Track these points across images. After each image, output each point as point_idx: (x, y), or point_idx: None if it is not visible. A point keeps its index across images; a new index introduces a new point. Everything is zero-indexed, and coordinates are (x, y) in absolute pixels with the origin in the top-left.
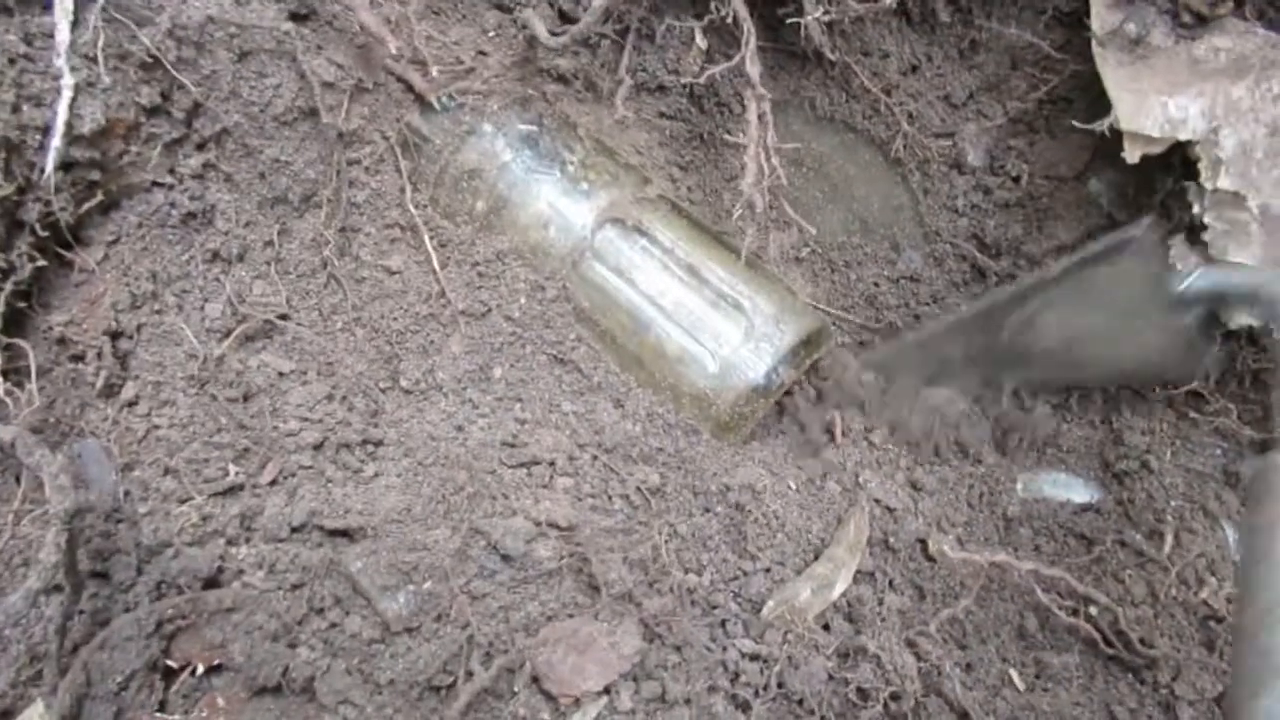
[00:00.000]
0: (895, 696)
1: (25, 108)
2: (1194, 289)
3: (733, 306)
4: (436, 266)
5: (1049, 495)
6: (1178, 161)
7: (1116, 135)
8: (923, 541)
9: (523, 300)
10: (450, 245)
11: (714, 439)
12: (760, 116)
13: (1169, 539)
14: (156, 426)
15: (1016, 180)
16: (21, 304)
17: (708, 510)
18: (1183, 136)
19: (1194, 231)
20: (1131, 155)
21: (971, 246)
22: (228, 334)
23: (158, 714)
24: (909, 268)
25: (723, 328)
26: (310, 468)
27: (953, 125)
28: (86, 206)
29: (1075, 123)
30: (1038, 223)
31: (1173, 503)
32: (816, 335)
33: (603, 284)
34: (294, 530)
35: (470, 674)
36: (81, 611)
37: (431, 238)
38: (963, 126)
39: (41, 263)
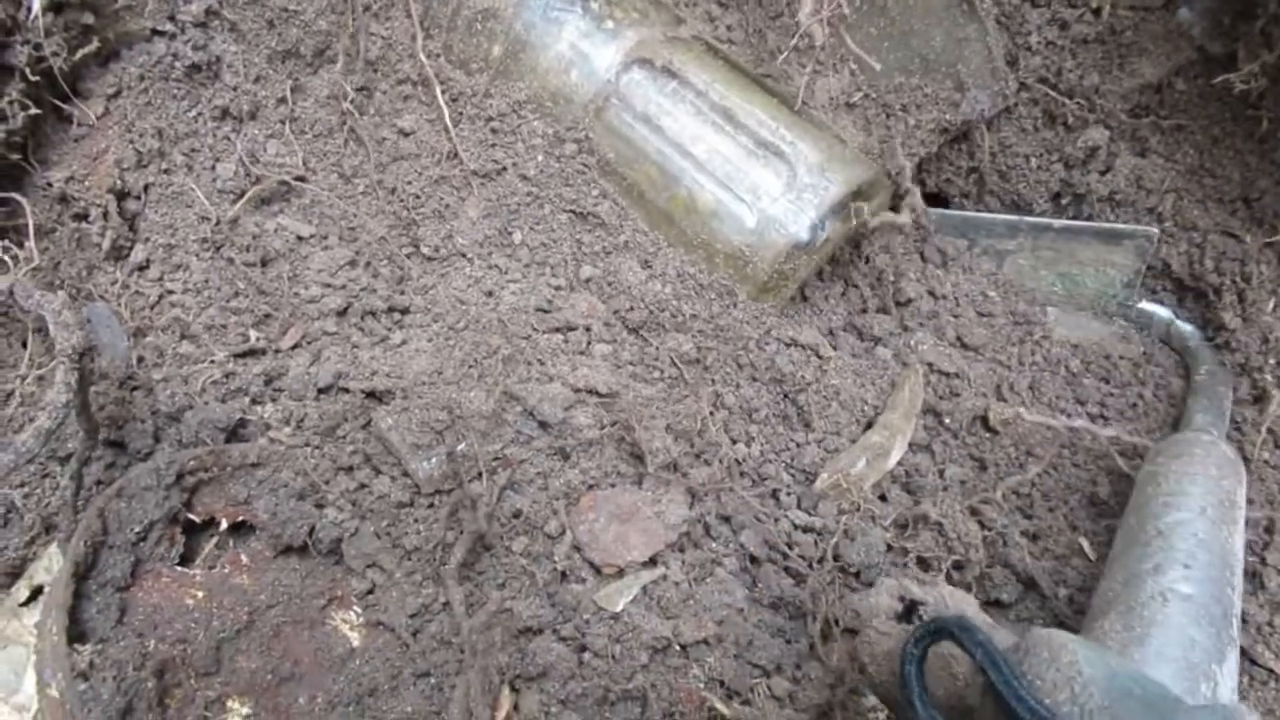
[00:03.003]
0: (959, 565)
1: None
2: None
3: (773, 154)
4: (449, 124)
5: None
6: None
7: None
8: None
9: (539, 157)
10: (462, 99)
11: (752, 302)
12: None
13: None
14: (170, 291)
15: (1096, 12)
16: (16, 156)
17: (755, 380)
18: None
19: None
20: None
21: (1044, 88)
22: (241, 195)
23: (178, 567)
24: (974, 110)
25: (761, 178)
26: (335, 333)
27: None
28: (82, 53)
29: None
30: (1119, 59)
31: (1271, 360)
32: (869, 186)
33: (629, 132)
34: (320, 391)
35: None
36: (99, 482)
37: (443, 91)
38: None
39: (35, 111)
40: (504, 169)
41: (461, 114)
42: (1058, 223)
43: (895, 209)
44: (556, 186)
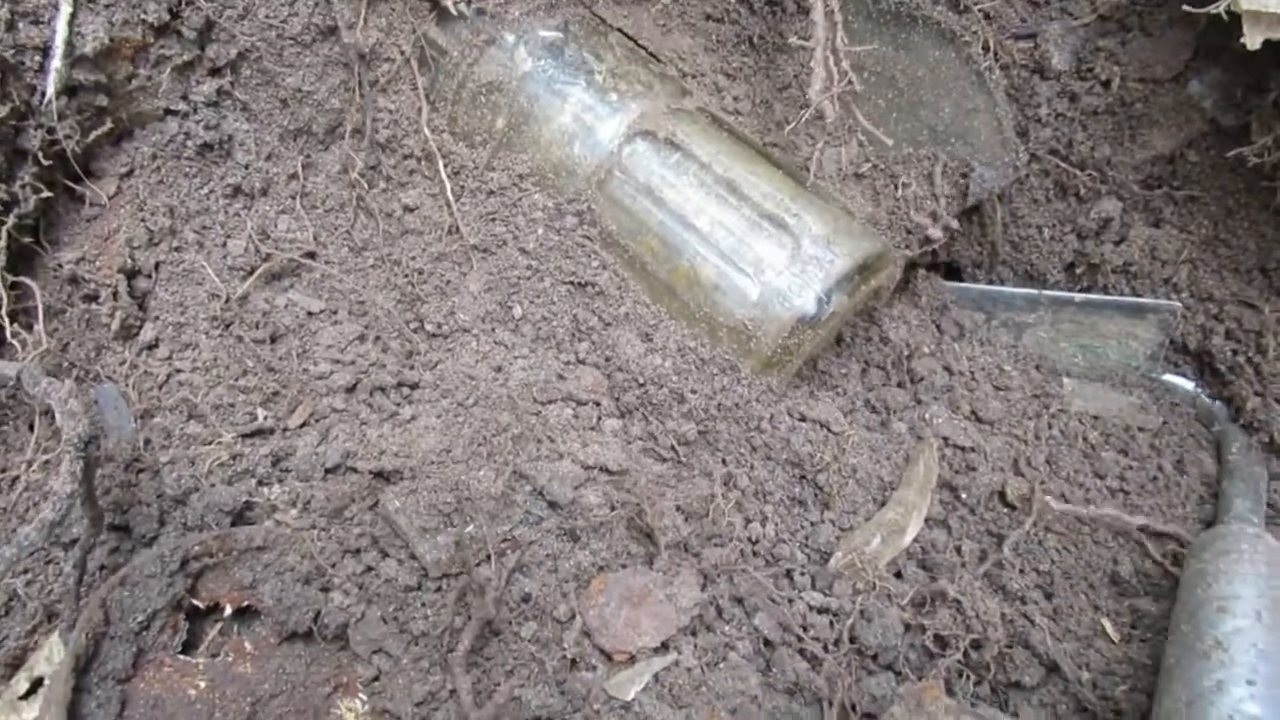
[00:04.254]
0: (977, 645)
1: (21, 25)
2: None
3: (777, 226)
4: (450, 199)
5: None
6: None
7: (1224, 25)
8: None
9: (540, 231)
10: (464, 173)
11: (757, 377)
12: (828, 13)
13: None
14: (178, 370)
15: (1106, 85)
16: (28, 239)
17: (769, 458)
18: None
19: None
20: (1252, 40)
21: (1056, 160)
22: (251, 272)
23: (181, 655)
24: (983, 189)
25: (765, 250)
26: (343, 410)
27: (1035, 24)
28: (95, 135)
29: (1186, 6)
30: (1130, 131)
31: None
32: (876, 260)
33: (631, 204)
34: (328, 471)
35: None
36: (103, 567)
37: (446, 165)
38: (1046, 26)
39: (48, 194)
40: (504, 243)
41: (463, 188)
42: (1079, 296)
43: (908, 281)
44: (557, 259)
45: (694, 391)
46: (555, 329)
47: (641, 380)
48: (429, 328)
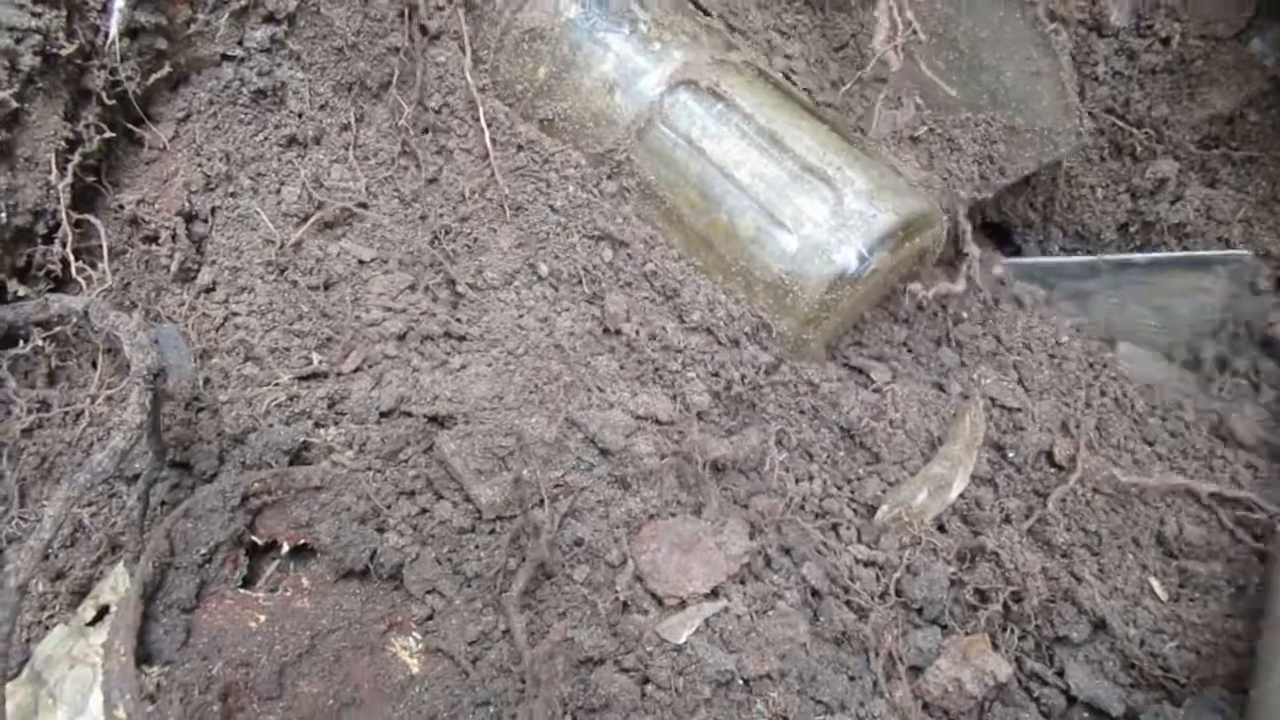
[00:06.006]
0: (1017, 597)
1: None
2: None
3: (820, 180)
4: (490, 149)
5: None
6: None
7: None
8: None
9: (570, 189)
10: (495, 125)
11: (793, 336)
12: None
13: None
14: (235, 313)
15: (1166, 42)
16: (91, 179)
17: (817, 415)
18: None
19: None
20: None
21: (1112, 118)
22: (305, 219)
23: (241, 589)
24: (1048, 157)
25: (806, 204)
26: (395, 357)
27: None
28: (155, 78)
29: None
30: (1189, 90)
31: None
32: (922, 219)
33: (671, 154)
34: (383, 414)
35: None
36: (164, 503)
37: (485, 115)
38: None
39: (110, 135)
40: (535, 199)
41: (496, 140)
42: (1141, 257)
43: (958, 252)
44: (588, 214)
45: (721, 347)
46: (588, 284)
47: (667, 340)
48: (470, 280)
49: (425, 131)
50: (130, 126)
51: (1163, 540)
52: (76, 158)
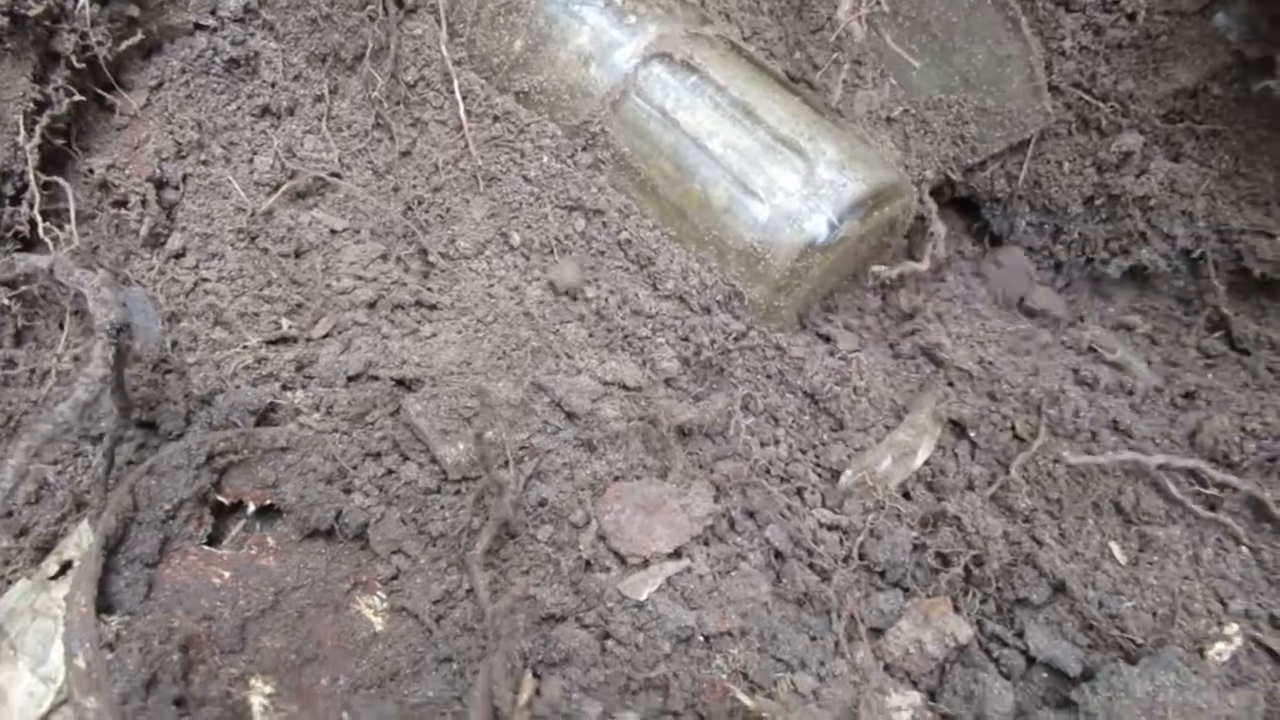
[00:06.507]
0: (978, 561)
1: None
2: None
3: (791, 150)
4: (464, 121)
5: None
6: None
7: None
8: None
9: (545, 159)
10: (470, 98)
11: (764, 303)
12: None
13: None
14: (205, 279)
15: (1131, 17)
16: (60, 142)
17: (783, 380)
18: None
19: None
20: None
21: (1079, 92)
22: (277, 188)
23: (205, 546)
24: (1014, 137)
25: (778, 174)
26: (365, 324)
27: None
28: (126, 45)
29: None
30: (1154, 64)
31: None
32: (891, 189)
33: (645, 125)
34: (350, 378)
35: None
36: (130, 462)
37: (460, 88)
38: None
39: (79, 99)
40: (508, 170)
41: (471, 112)
42: None
43: (923, 221)
44: (562, 184)
45: (692, 314)
46: (561, 251)
47: (638, 308)
48: (441, 249)
49: (400, 103)
50: (101, 92)
51: (1121, 509)
52: (45, 120)
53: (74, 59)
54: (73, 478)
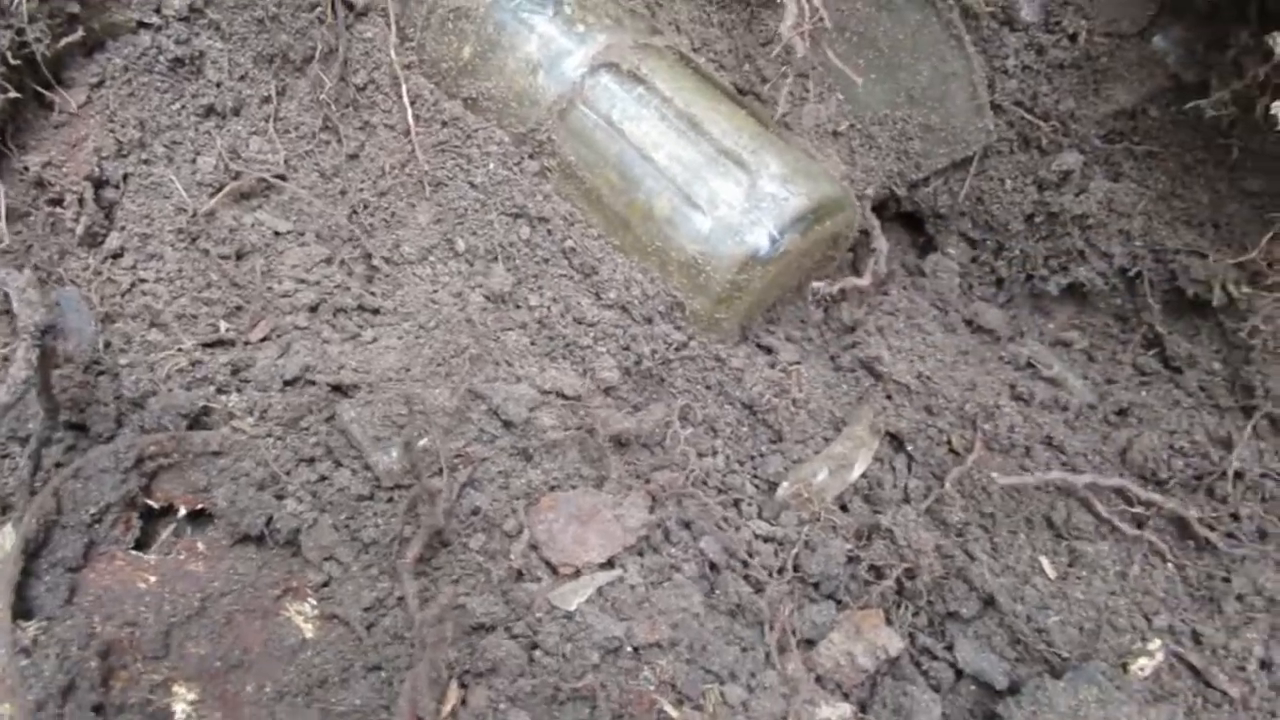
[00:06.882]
0: (910, 574)
1: None
2: None
3: (735, 163)
4: (411, 126)
5: None
6: (1254, 10)
7: None
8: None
9: (491, 165)
10: (420, 103)
11: (706, 315)
12: None
13: None
14: (142, 279)
15: (1073, 38)
16: None
17: (722, 391)
18: None
19: None
20: None
21: (1020, 111)
22: (220, 189)
23: (133, 551)
24: (956, 154)
25: (721, 186)
26: (305, 328)
27: None
28: (66, 42)
29: None
30: (1094, 85)
31: None
32: (834, 203)
33: (591, 135)
34: (286, 383)
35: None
36: (58, 464)
37: (409, 94)
38: None
39: (16, 96)
40: (455, 175)
41: (419, 116)
42: None
43: (867, 235)
44: (508, 191)
45: (634, 325)
46: (506, 259)
47: (580, 317)
48: (386, 254)
49: (348, 106)
50: (39, 90)
51: (1052, 524)
52: None
53: (9, 55)
54: None
